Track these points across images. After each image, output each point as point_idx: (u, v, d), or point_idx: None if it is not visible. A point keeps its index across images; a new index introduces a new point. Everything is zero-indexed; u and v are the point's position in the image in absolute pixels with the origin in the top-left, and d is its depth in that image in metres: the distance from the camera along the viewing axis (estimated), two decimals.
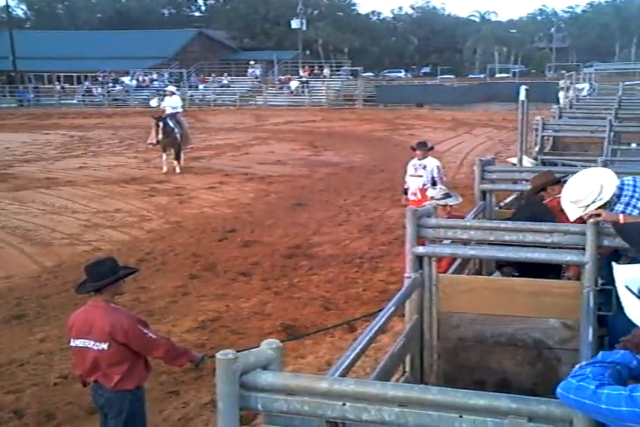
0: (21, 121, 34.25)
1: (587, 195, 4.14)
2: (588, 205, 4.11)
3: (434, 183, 10.32)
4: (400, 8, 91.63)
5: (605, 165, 6.70)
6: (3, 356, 7.05)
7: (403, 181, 11.03)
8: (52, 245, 11.36)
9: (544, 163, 8.90)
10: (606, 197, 4.13)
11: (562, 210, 4.54)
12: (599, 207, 4.09)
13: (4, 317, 8.18)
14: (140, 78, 46.39)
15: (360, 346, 3.06)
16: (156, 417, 5.63)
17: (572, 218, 4.27)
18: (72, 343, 4.57)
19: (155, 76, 47.08)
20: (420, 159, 10.56)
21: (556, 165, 8.50)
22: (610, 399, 1.91)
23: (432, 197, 6.45)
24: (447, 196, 6.44)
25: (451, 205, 6.45)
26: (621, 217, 3.90)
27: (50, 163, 20.37)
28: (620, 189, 4.23)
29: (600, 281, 3.85)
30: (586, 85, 25.68)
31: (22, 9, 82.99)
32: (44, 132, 29.19)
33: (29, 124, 32.53)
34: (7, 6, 59.06)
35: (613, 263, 2.74)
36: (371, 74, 62.91)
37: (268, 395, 2.29)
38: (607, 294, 3.93)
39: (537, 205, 5.20)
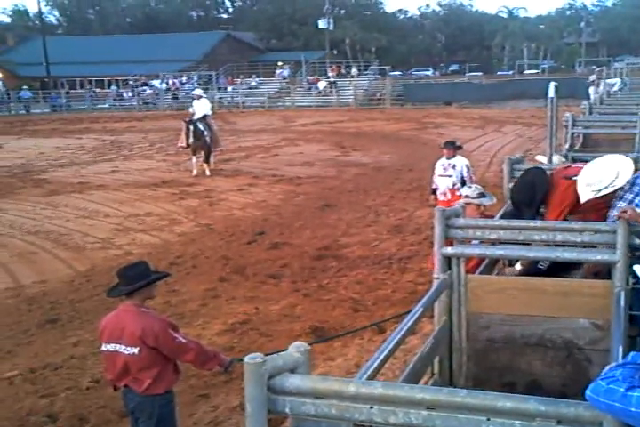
0: (54, 126, 34.73)
1: (601, 179, 4.34)
2: (600, 190, 4.35)
3: (463, 183, 10.26)
4: (427, 5, 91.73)
5: (637, 161, 6.60)
6: (37, 360, 7.16)
7: (431, 181, 10.97)
8: (85, 249, 11.51)
9: (574, 160, 8.76)
10: (619, 183, 4.31)
11: (568, 178, 4.79)
12: (612, 192, 4.31)
13: (38, 321, 8.31)
14: (170, 81, 46.79)
15: (388, 348, 3.06)
16: (185, 421, 5.67)
17: (582, 199, 4.47)
18: (103, 348, 4.62)
19: (184, 79, 47.45)
20: (448, 158, 10.51)
21: (587, 162, 8.38)
22: None
23: (467, 196, 6.38)
24: (482, 195, 6.36)
25: (485, 205, 6.36)
26: None
27: (82, 167, 20.63)
28: (636, 178, 4.31)
29: (632, 280, 3.80)
30: (617, 80, 25.29)
31: (54, 15, 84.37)
32: (76, 136, 29.59)
33: (62, 129, 32.97)
34: (40, 13, 60.17)
35: (636, 266, 2.72)
36: (398, 73, 62.66)
37: (296, 398, 2.29)
38: (639, 294, 3.88)
39: (538, 172, 5.15)
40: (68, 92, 46.71)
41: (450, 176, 10.42)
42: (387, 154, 21.57)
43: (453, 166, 10.44)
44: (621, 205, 4.30)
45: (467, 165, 10.52)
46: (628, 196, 4.34)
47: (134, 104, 43.88)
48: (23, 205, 15.04)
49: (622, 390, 1.93)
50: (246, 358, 2.27)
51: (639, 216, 3.89)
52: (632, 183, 4.43)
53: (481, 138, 24.59)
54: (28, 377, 6.78)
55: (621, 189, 4.38)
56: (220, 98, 42.74)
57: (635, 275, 3.72)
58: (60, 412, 6.08)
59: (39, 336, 7.87)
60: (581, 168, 4.92)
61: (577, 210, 4.71)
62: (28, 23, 76.73)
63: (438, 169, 10.61)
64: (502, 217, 5.29)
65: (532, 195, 4.90)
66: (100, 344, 4.67)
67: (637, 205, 4.22)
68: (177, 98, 42.16)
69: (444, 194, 10.49)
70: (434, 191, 10.76)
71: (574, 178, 4.80)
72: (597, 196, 4.36)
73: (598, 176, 4.36)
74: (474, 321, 4.16)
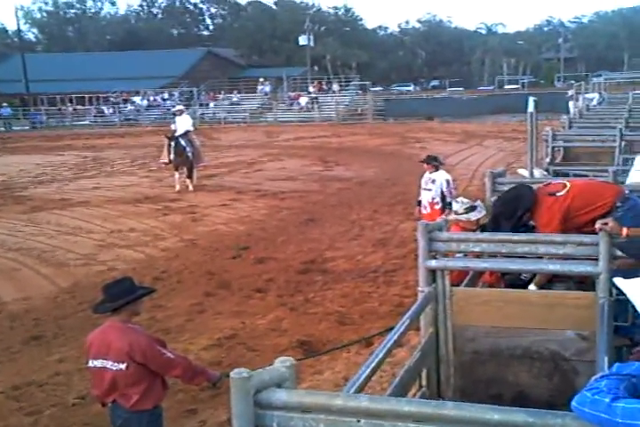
0: (35, 143, 34.54)
1: None
2: None
3: (443, 197, 10.33)
4: (407, 22, 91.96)
5: (617, 174, 6.69)
6: (21, 377, 7.09)
7: (417, 193, 11.04)
8: (68, 265, 11.42)
9: (556, 174, 8.87)
10: None
11: (551, 194, 4.82)
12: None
13: (22, 338, 8.23)
14: (151, 98, 46.78)
15: (375, 362, 3.07)
16: None
17: (628, 181, 4.42)
18: (90, 364, 4.59)
19: (165, 96, 47.46)
20: (430, 173, 10.58)
21: (567, 175, 8.48)
22: (625, 413, 1.90)
23: (455, 212, 6.38)
24: (471, 209, 6.33)
25: (473, 220, 6.33)
26: (625, 230, 3.92)
27: (64, 184, 20.51)
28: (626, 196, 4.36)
29: (615, 291, 3.84)
30: (596, 95, 25.62)
31: (33, 33, 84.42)
32: (57, 153, 29.43)
33: (43, 146, 32.79)
34: (19, 30, 60.24)
35: (615, 279, 2.75)
36: (379, 88, 63.10)
37: (283, 413, 2.30)
38: (623, 304, 3.92)
39: (524, 188, 5.14)
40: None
41: (429, 190, 10.49)
42: (370, 168, 21.65)
43: (433, 181, 10.50)
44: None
45: (447, 180, 10.53)
46: (619, 212, 4.36)
47: (115, 121, 43.83)
48: (5, 222, 14.91)
49: (607, 400, 1.95)
50: (232, 373, 2.27)
51: (620, 229, 3.94)
52: (623, 200, 4.46)
53: (463, 152, 24.75)
54: (12, 394, 6.70)
55: (616, 207, 4.41)
56: (202, 114, 42.79)
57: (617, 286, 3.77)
58: None
59: (23, 353, 7.79)
60: (563, 184, 4.97)
61: (567, 228, 4.72)
62: (7, 41, 76.59)
63: (422, 182, 10.70)
64: (482, 229, 5.34)
65: (514, 209, 4.90)
66: (87, 361, 4.64)
67: (625, 221, 4.24)
68: (174, 115, 41.67)
69: (425, 207, 10.59)
70: (419, 204, 10.83)
71: (558, 194, 4.84)
72: None
73: None
74: (460, 333, 4.18)
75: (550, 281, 4.68)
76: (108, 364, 4.45)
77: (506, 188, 6.16)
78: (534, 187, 5.24)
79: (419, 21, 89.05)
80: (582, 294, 4.09)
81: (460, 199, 6.61)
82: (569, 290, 4.48)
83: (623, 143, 9.98)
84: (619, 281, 2.63)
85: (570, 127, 12.24)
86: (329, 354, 7.11)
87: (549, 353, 4.01)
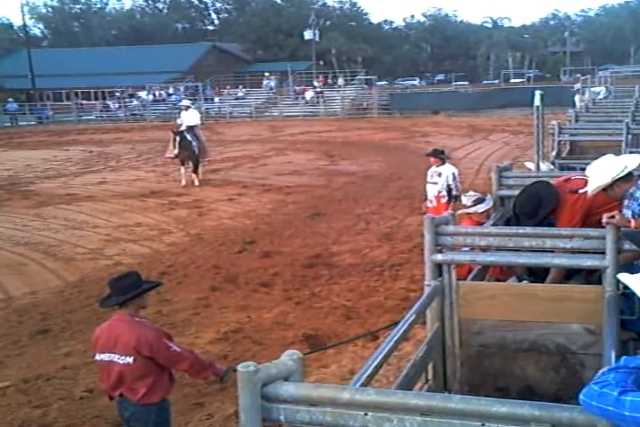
0: (41, 138, 34.60)
1: (606, 173, 4.30)
2: (600, 185, 4.32)
3: (449, 191, 10.31)
4: (412, 16, 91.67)
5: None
6: (29, 371, 7.13)
7: (423, 188, 11.01)
8: (75, 259, 11.46)
9: (562, 167, 8.85)
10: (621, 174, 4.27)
11: (574, 192, 4.75)
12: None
13: (29, 332, 8.26)
14: (157, 93, 46.77)
15: (381, 355, 3.07)
16: None
17: (589, 193, 4.43)
18: (97, 358, 4.61)
19: (171, 91, 47.45)
20: (437, 166, 10.54)
21: (574, 169, 8.44)
22: (633, 406, 1.89)
23: (464, 205, 6.44)
24: (478, 201, 6.37)
25: (480, 212, 6.34)
26: (633, 222, 3.90)
27: (70, 179, 20.54)
28: None
29: (621, 285, 3.83)
30: (602, 89, 25.55)
31: (39, 28, 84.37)
32: (63, 148, 29.46)
33: (49, 141, 32.83)
34: (25, 25, 60.24)
35: (620, 274, 2.74)
36: (385, 82, 62.98)
37: (290, 406, 2.30)
38: (629, 298, 3.92)
39: (545, 186, 5.02)
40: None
41: (435, 184, 10.46)
42: (375, 162, 21.62)
43: (439, 174, 10.46)
44: (627, 213, 4.24)
45: (453, 174, 10.48)
46: (634, 204, 4.30)
47: (121, 115, 43.84)
48: (11, 217, 14.96)
49: (615, 394, 1.94)
50: (239, 367, 2.27)
51: (627, 222, 3.93)
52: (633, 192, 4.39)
53: (469, 146, 24.70)
54: (21, 388, 6.75)
55: (630, 197, 4.35)
56: (207, 109, 42.71)
57: None
58: (53, 422, 6.06)
59: (30, 347, 7.83)
60: (585, 180, 4.77)
61: (585, 225, 4.65)
62: (13, 36, 76.60)
63: (428, 176, 10.66)
64: (496, 224, 5.30)
65: (536, 208, 4.84)
66: (94, 354, 4.66)
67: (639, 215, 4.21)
68: (180, 110, 41.80)
69: (431, 201, 10.53)
70: (427, 198, 10.80)
71: (581, 191, 4.73)
72: (599, 189, 4.32)
73: (603, 170, 4.33)
74: (466, 327, 4.18)
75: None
76: (116, 357, 4.47)
77: (512, 181, 6.17)
78: (553, 181, 5.11)
79: (424, 15, 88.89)
80: (589, 287, 4.08)
81: (468, 193, 6.64)
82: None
83: (630, 137, 9.94)
84: (623, 277, 2.62)
85: (576, 121, 12.20)
86: (335, 348, 7.12)
87: (556, 347, 4.01)
